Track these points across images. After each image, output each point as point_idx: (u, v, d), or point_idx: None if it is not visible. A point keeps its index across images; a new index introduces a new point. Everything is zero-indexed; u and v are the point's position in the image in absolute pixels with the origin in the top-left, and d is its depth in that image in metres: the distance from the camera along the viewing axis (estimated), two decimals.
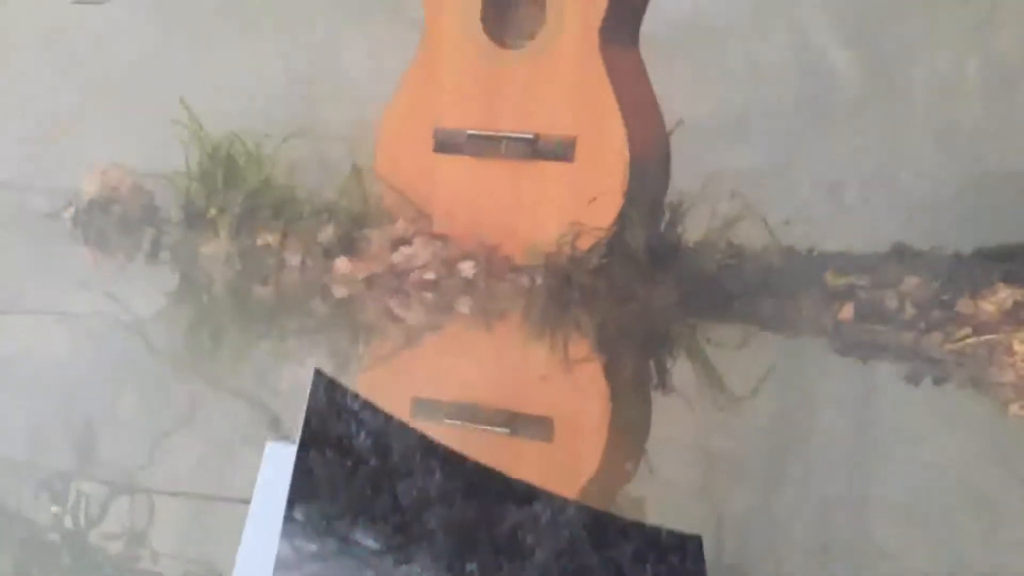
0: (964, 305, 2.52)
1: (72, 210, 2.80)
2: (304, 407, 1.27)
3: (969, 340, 2.43)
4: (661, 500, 1.84)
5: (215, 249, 2.68)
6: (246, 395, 2.29)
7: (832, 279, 2.63)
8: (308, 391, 1.27)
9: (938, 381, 2.41)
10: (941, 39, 3.68)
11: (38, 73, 3.46)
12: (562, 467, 2.04)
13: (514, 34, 2.68)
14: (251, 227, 2.68)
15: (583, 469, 2.03)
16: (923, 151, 3.42)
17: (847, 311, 2.56)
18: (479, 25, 2.66)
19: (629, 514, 1.59)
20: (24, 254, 2.73)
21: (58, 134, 3.31)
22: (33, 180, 3.03)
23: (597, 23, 2.64)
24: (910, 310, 2.54)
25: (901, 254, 2.77)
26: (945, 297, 2.56)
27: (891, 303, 2.57)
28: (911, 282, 2.60)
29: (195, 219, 2.72)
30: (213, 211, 2.69)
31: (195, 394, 2.28)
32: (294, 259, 2.66)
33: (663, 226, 2.66)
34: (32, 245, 2.75)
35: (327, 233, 2.65)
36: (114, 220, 2.79)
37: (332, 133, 2.75)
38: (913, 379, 2.43)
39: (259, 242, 2.67)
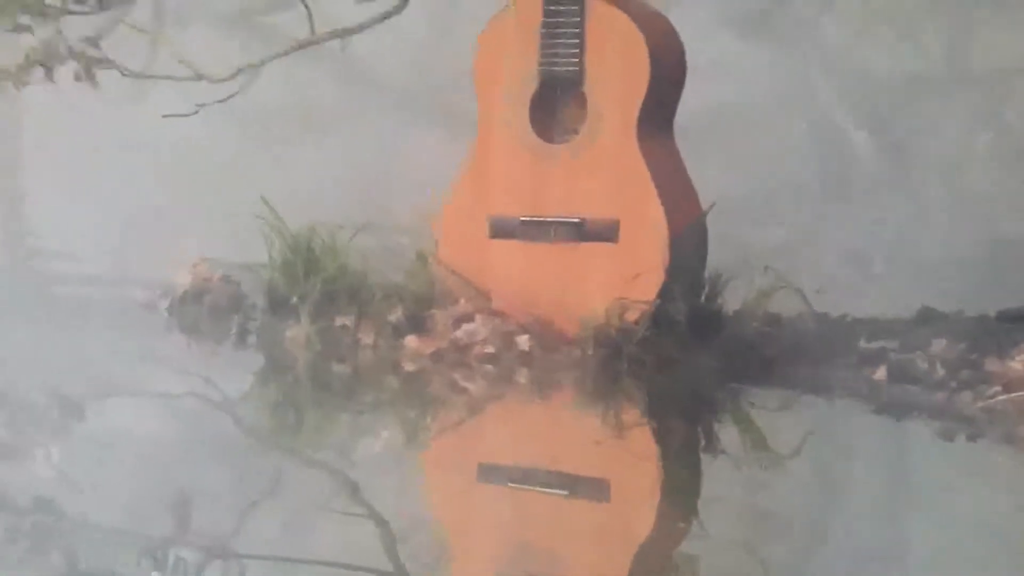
0: (992, 364, 2.48)
1: (167, 301, 2.82)
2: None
3: (1000, 397, 2.38)
4: (713, 557, 1.81)
5: (297, 332, 2.70)
6: (326, 466, 2.28)
7: (864, 343, 2.60)
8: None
9: (971, 438, 2.38)
10: (954, 116, 3.66)
11: (134, 177, 3.49)
12: (619, 527, 2.02)
13: (559, 130, 2.70)
14: (329, 311, 2.69)
15: (639, 529, 2.01)
16: (942, 220, 3.40)
17: (880, 373, 2.53)
18: (527, 123, 2.67)
19: (684, 572, 1.56)
20: (124, 342, 2.75)
21: (153, 232, 3.33)
22: (131, 274, 3.05)
23: (634, 117, 2.65)
24: (940, 371, 2.51)
25: (928, 318, 2.74)
26: (973, 357, 2.52)
27: (921, 364, 2.54)
28: (939, 344, 2.57)
29: (278, 305, 2.74)
30: (294, 298, 2.71)
31: (280, 466, 2.28)
32: (368, 339, 2.67)
33: (703, 298, 2.65)
34: (131, 334, 2.77)
35: (397, 314, 2.66)
36: (205, 309, 2.80)
37: (398, 223, 2.77)
38: (947, 436, 2.40)
39: (336, 324, 2.68)
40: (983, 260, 3.09)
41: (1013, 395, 2.39)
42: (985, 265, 3.07)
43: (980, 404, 2.40)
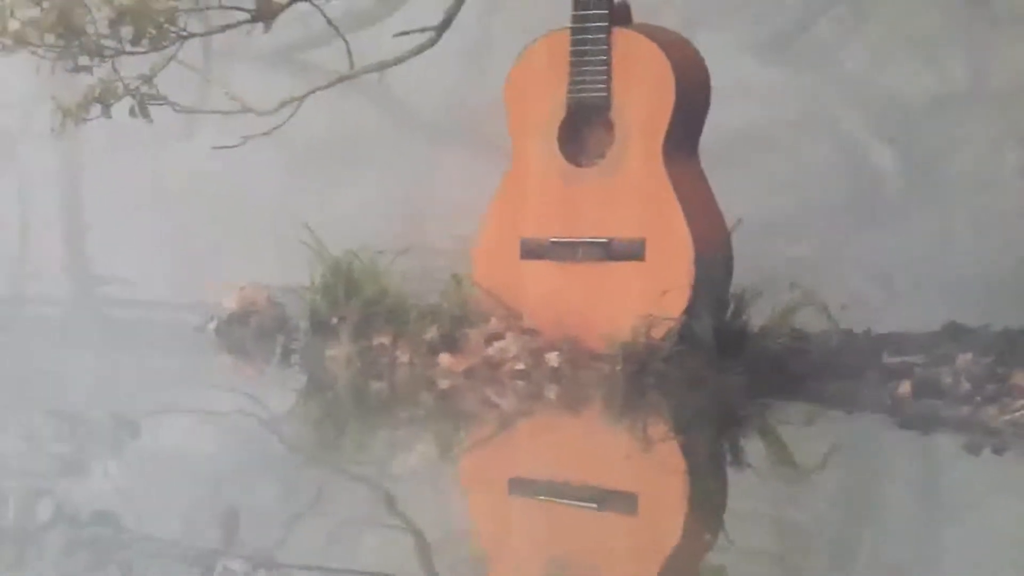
0: (1018, 378, 2.44)
1: (215, 323, 2.84)
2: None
3: None
4: (739, 568, 1.80)
5: (338, 352, 2.70)
6: (366, 479, 2.28)
7: (888, 358, 2.58)
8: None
9: (997, 451, 2.35)
10: (977, 135, 3.62)
11: (186, 207, 3.51)
12: (647, 539, 2.01)
13: (587, 154, 2.69)
14: (367, 331, 2.69)
15: (667, 540, 2.00)
16: (966, 236, 3.36)
17: (905, 388, 2.50)
18: (557, 149, 2.67)
19: None
20: (176, 362, 2.77)
21: (203, 258, 3.35)
22: (182, 299, 3.07)
23: (660, 140, 2.64)
24: (965, 385, 2.48)
25: (953, 332, 2.71)
26: (999, 371, 2.49)
27: (946, 379, 2.51)
28: (964, 358, 2.54)
29: (320, 327, 2.75)
30: (335, 319, 2.71)
31: (322, 479, 2.28)
32: (404, 357, 2.67)
33: (729, 315, 2.63)
34: (183, 354, 2.79)
35: (432, 333, 2.66)
36: (251, 330, 2.82)
37: (434, 247, 2.77)
38: (973, 449, 2.37)
39: (374, 344, 2.69)
40: (1008, 275, 3.06)
41: None
42: (1010, 280, 3.03)
43: (1006, 417, 2.37)
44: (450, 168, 3.17)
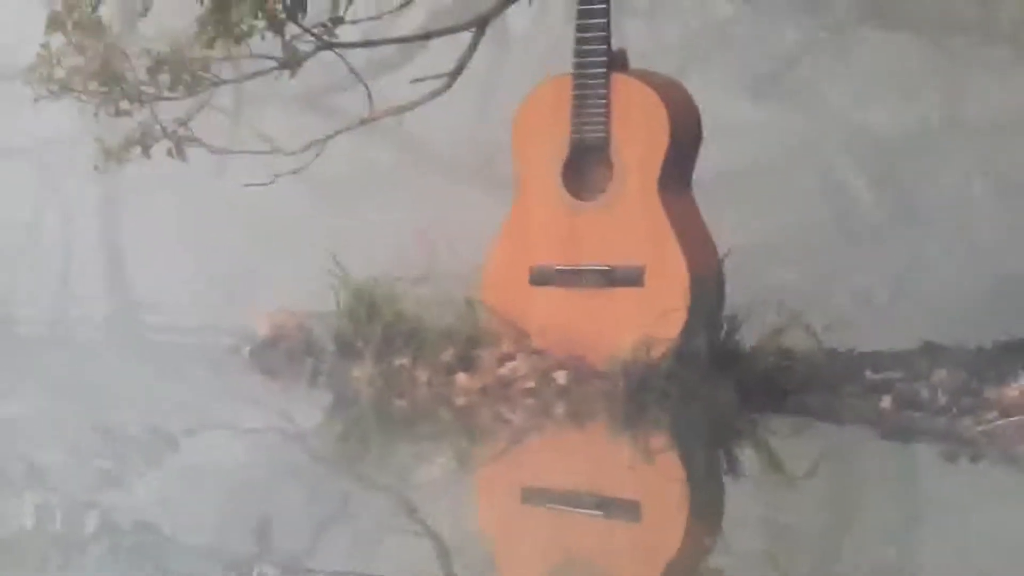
0: (990, 392, 2.45)
1: (248, 346, 2.84)
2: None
3: (998, 422, 2.36)
4: (737, 570, 1.81)
5: (361, 372, 2.70)
6: (390, 489, 2.29)
7: (871, 374, 2.59)
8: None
9: (973, 459, 2.35)
10: (952, 167, 3.63)
11: (219, 238, 3.52)
12: (650, 544, 2.01)
13: (589, 189, 2.70)
14: (389, 353, 2.69)
15: (668, 545, 2.01)
16: (941, 259, 3.36)
17: (886, 401, 2.51)
18: (560, 184, 2.68)
19: None
20: (211, 382, 2.76)
21: (236, 285, 3.36)
22: (217, 323, 3.07)
23: (656, 176, 2.65)
24: (942, 398, 2.49)
25: (929, 351, 2.71)
26: (973, 385, 2.50)
27: (925, 393, 2.51)
28: (941, 374, 2.55)
29: (345, 349, 2.74)
30: (359, 342, 2.71)
31: (348, 490, 2.29)
32: (423, 376, 2.67)
33: (722, 336, 2.64)
34: (218, 375, 2.78)
35: (448, 354, 2.66)
36: (281, 353, 2.81)
37: (449, 273, 2.77)
38: (950, 458, 2.37)
39: (395, 364, 2.68)
40: (980, 297, 3.06)
41: (1010, 419, 2.37)
42: (982, 301, 3.04)
43: (980, 428, 2.38)
44: (462, 201, 3.19)
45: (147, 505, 2.14)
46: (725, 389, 2.57)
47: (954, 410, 2.45)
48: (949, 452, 2.39)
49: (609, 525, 2.09)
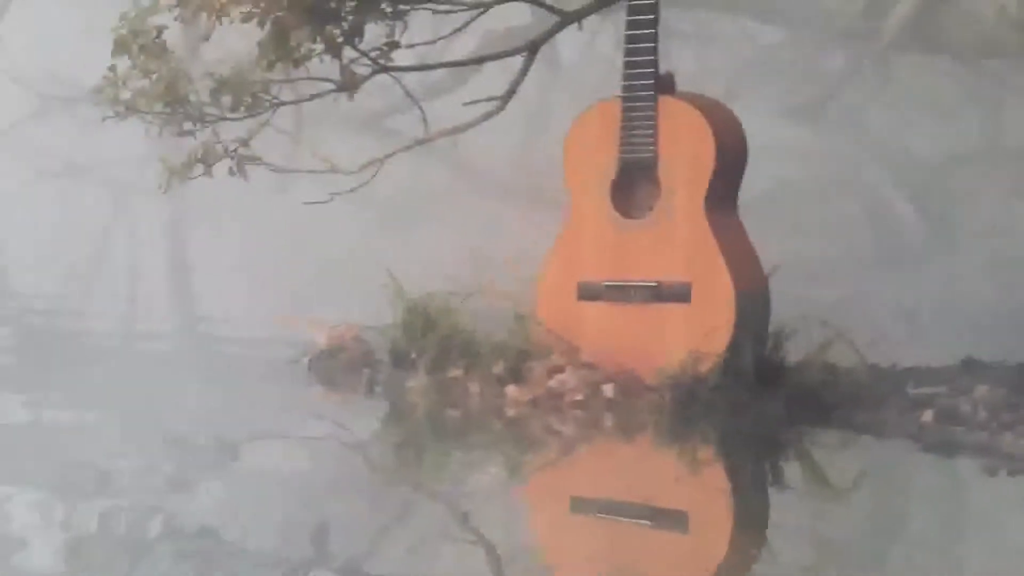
0: None
1: (308, 357, 2.84)
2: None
3: None
4: None
5: (416, 383, 2.71)
6: (443, 497, 2.29)
7: (913, 389, 2.57)
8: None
9: (1012, 473, 2.33)
10: (990, 188, 3.60)
11: (281, 254, 3.55)
12: (697, 554, 2.00)
13: (637, 207, 2.69)
14: (443, 364, 2.70)
15: (715, 555, 2.00)
16: (982, 278, 3.34)
17: (928, 416, 2.49)
18: (609, 202, 2.68)
19: None
20: (272, 393, 2.77)
21: (296, 299, 3.38)
22: (278, 336, 3.08)
23: (702, 195, 2.64)
24: (983, 413, 2.47)
25: (970, 366, 2.68)
26: (1013, 401, 2.47)
27: (966, 408, 2.49)
28: (982, 389, 2.53)
29: (401, 360, 2.75)
30: (414, 354, 2.72)
31: (404, 497, 2.29)
32: (475, 388, 2.67)
33: (768, 351, 2.63)
34: (279, 386, 2.79)
35: (500, 366, 2.66)
36: (340, 364, 2.82)
37: (500, 289, 2.77)
38: (990, 472, 2.35)
39: (449, 376, 2.69)
40: (1020, 314, 3.04)
41: None
42: (1022, 318, 3.01)
43: (1021, 442, 2.36)
44: (513, 219, 3.20)
45: (210, 511, 2.15)
46: (771, 403, 2.56)
47: (994, 425, 2.43)
48: (990, 466, 2.37)
49: (657, 535, 2.08)
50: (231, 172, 2.73)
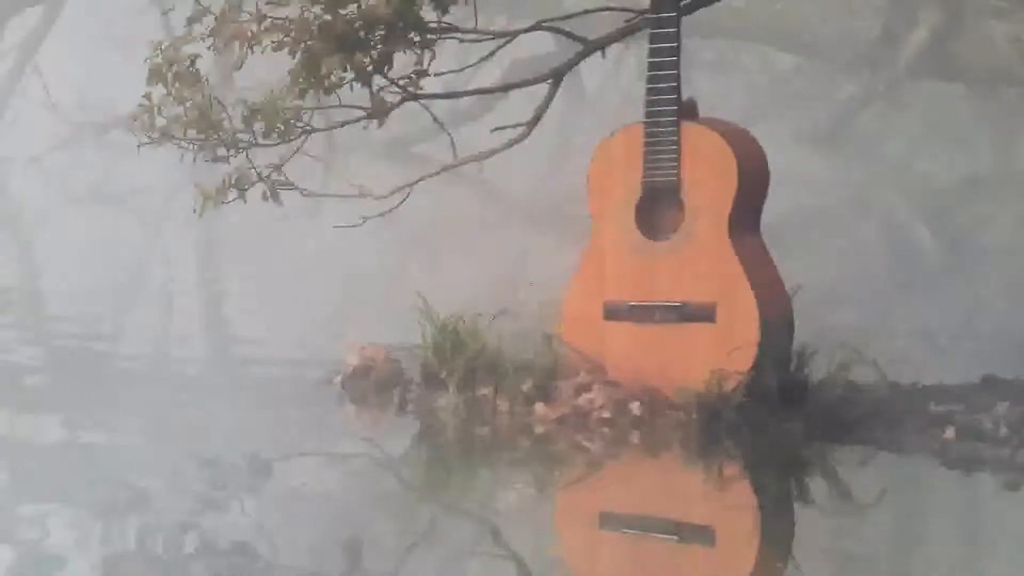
0: None
1: (340, 377, 2.85)
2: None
3: None
4: None
5: (446, 402, 2.71)
6: (472, 514, 2.29)
7: (934, 407, 2.56)
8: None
9: None
10: (1004, 211, 3.60)
11: (312, 276, 3.56)
12: (724, 569, 2.00)
13: (661, 230, 2.69)
14: (472, 383, 2.70)
15: (740, 568, 1.99)
16: (997, 298, 3.33)
17: (950, 433, 2.48)
18: (634, 225, 2.69)
19: None
20: (305, 412, 2.77)
21: (328, 321, 3.38)
22: (311, 356, 3.09)
23: (725, 218, 2.65)
24: (1003, 429, 2.47)
25: (990, 384, 2.67)
26: None
27: (987, 424, 2.49)
28: (1002, 406, 2.52)
29: (431, 379, 2.75)
30: (444, 373, 2.72)
31: (434, 513, 2.29)
32: (504, 406, 2.67)
33: (791, 370, 2.63)
34: (310, 405, 2.79)
35: (528, 385, 2.66)
36: (371, 383, 2.82)
37: (527, 310, 2.78)
38: (1012, 487, 2.35)
39: (478, 394, 2.69)
40: None
41: None
42: None
43: None
44: (538, 242, 3.20)
45: (243, 528, 2.16)
46: (794, 421, 2.56)
47: (1016, 441, 2.43)
48: (1010, 481, 2.37)
49: (683, 549, 2.08)
50: (264, 197, 2.74)
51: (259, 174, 2.71)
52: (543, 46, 3.24)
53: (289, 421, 2.75)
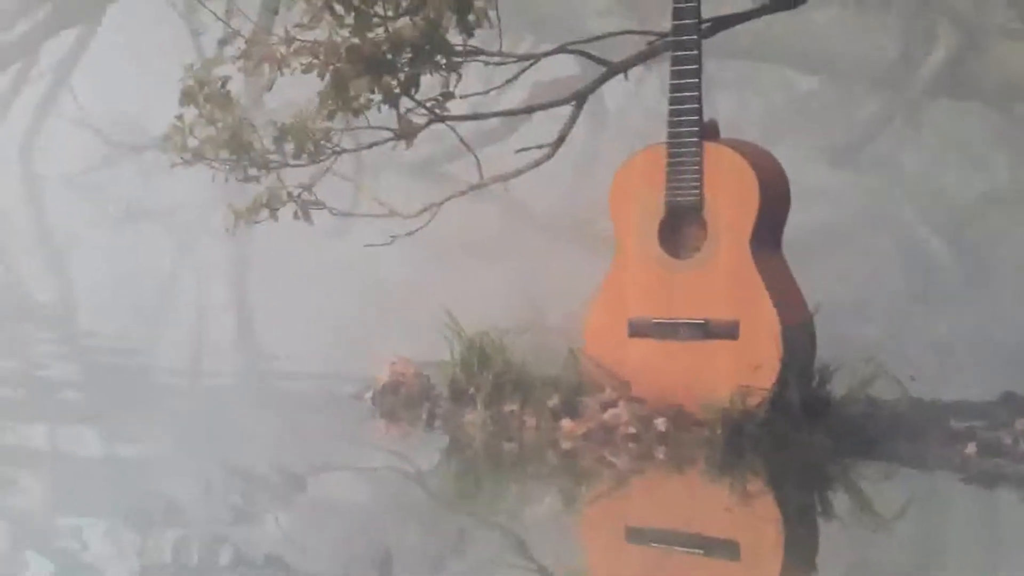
0: None
1: (370, 392, 2.85)
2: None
3: None
4: None
5: (474, 417, 2.71)
6: (500, 527, 2.29)
7: (954, 423, 2.55)
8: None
9: None
10: (1021, 225, 3.59)
11: (342, 294, 3.57)
12: None
13: (684, 248, 2.70)
14: (499, 399, 2.70)
15: None
16: (1016, 314, 3.32)
17: (970, 448, 2.48)
18: (657, 243, 2.69)
19: None
20: (336, 427, 2.78)
21: (358, 337, 3.39)
22: (341, 372, 3.10)
23: (748, 236, 2.65)
24: (1023, 446, 2.45)
25: (1010, 400, 2.66)
26: None
27: (1007, 440, 2.49)
28: (1021, 423, 2.51)
29: (459, 395, 2.75)
30: (471, 388, 2.72)
31: (463, 526, 2.29)
32: (531, 421, 2.68)
33: (814, 385, 2.62)
34: (340, 419, 2.80)
35: (554, 400, 2.66)
36: (401, 398, 2.82)
37: (553, 326, 2.78)
38: None
39: (505, 410, 2.69)
40: None
41: None
42: None
43: None
44: (563, 260, 3.20)
45: (276, 540, 2.16)
46: (817, 436, 2.55)
47: None
48: None
49: (708, 563, 2.08)
50: (295, 216, 2.75)
51: (290, 193, 2.73)
52: (566, 68, 3.25)
53: (322, 435, 2.75)
